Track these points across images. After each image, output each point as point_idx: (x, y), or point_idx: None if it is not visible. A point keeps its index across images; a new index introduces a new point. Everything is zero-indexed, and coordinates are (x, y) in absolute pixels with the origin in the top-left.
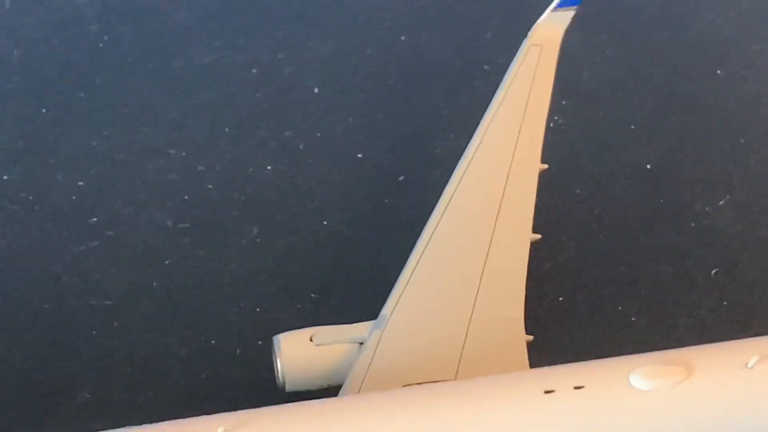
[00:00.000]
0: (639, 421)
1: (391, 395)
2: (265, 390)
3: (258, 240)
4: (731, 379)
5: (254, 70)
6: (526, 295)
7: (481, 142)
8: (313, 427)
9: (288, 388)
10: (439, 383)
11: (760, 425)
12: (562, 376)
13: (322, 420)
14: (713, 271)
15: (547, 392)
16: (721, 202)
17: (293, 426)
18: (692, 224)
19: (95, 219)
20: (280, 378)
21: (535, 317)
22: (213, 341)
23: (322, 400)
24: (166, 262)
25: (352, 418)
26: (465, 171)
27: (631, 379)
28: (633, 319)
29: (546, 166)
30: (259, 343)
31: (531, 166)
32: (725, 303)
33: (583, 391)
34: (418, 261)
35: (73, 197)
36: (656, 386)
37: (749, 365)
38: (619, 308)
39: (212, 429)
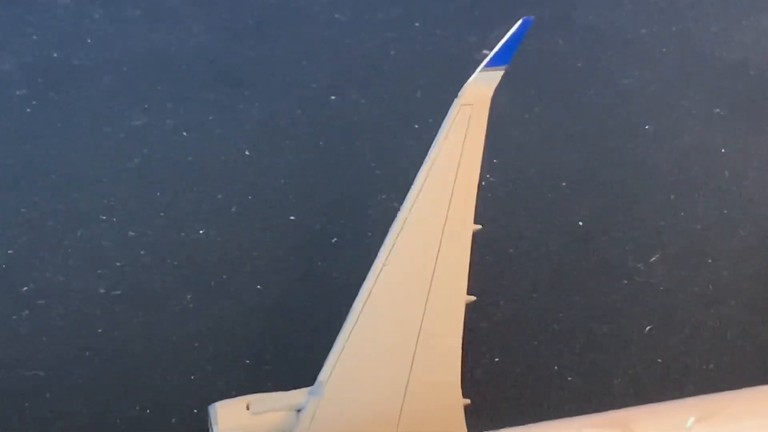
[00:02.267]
0: None
1: None
2: None
3: (191, 306)
4: None
5: (184, 133)
6: (462, 357)
7: (413, 204)
8: None
9: None
10: None
11: None
12: None
13: None
14: (647, 328)
15: None
16: (652, 259)
17: None
18: (625, 281)
19: (26, 288)
20: None
21: (471, 379)
22: (148, 410)
23: None
24: (99, 330)
25: None
26: (398, 234)
27: None
28: (569, 378)
29: (480, 226)
30: (195, 411)
31: (465, 226)
32: (659, 360)
33: None
34: (353, 326)
35: (3, 266)
36: None
37: (687, 426)
38: (555, 368)
39: None
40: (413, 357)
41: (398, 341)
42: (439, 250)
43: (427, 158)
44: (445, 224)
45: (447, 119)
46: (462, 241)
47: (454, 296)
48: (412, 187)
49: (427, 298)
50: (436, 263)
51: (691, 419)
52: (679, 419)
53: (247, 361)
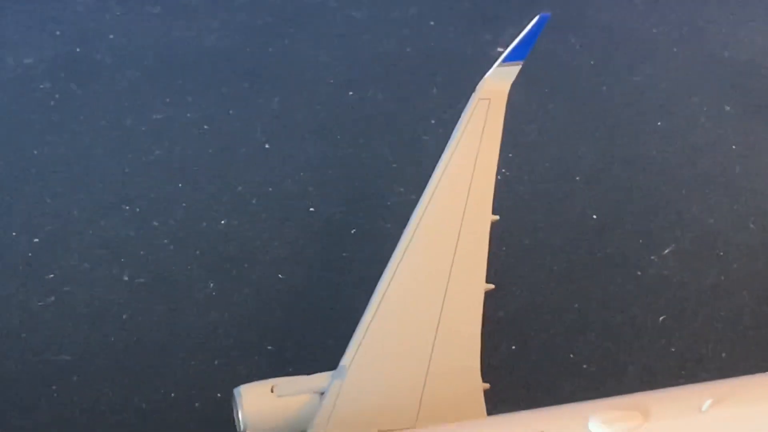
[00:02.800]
0: None
1: None
2: None
3: (214, 294)
4: (686, 423)
5: (205, 126)
6: (481, 344)
7: (432, 195)
8: None
9: None
10: (400, 431)
11: None
12: (523, 422)
13: None
14: (661, 318)
15: None
16: (666, 251)
17: None
18: (639, 273)
19: (52, 275)
20: (242, 429)
21: (489, 366)
22: (172, 394)
23: None
24: (123, 317)
25: None
26: (418, 224)
27: (590, 424)
28: (584, 366)
29: (497, 217)
30: (218, 395)
31: (483, 217)
32: (673, 349)
33: None
34: (375, 312)
35: (29, 254)
36: (614, 431)
37: (703, 409)
38: (571, 356)
39: None
40: (434, 342)
41: (419, 327)
42: (458, 240)
43: (445, 151)
44: (464, 215)
45: (465, 113)
46: (481, 231)
47: (474, 283)
48: (431, 178)
49: (447, 286)
50: (455, 252)
51: (708, 401)
52: (695, 402)
53: (269, 347)
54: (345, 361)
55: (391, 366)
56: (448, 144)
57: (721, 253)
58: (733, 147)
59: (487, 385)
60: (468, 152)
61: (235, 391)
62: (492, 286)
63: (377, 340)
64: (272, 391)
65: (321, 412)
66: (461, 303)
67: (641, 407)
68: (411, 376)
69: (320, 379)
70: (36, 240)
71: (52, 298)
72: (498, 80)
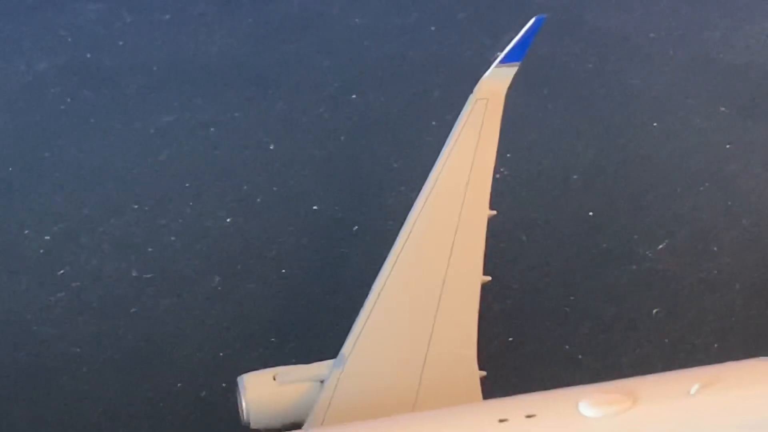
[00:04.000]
0: None
1: (351, 427)
2: (230, 429)
3: (219, 288)
4: (675, 407)
5: (212, 129)
6: (477, 336)
7: (431, 190)
8: None
9: (253, 425)
10: (397, 416)
11: None
12: (515, 405)
13: None
14: (654, 311)
15: (501, 421)
16: (659, 246)
17: None
18: (633, 267)
19: (62, 271)
20: (245, 416)
21: (486, 357)
22: (179, 384)
23: None
24: (132, 311)
25: None
26: (417, 219)
27: (580, 407)
28: (579, 357)
29: (495, 212)
30: (223, 385)
31: (480, 212)
32: (666, 341)
33: (535, 419)
34: (375, 303)
35: (41, 251)
36: (604, 414)
37: (692, 392)
38: (566, 347)
39: None
40: (431, 331)
41: (417, 317)
42: (456, 234)
43: (444, 148)
44: (461, 210)
45: (463, 113)
46: (478, 226)
47: (471, 276)
48: (430, 174)
49: (445, 278)
50: (453, 245)
51: (696, 385)
52: (683, 386)
53: (273, 340)
54: (345, 350)
55: (390, 354)
56: (446, 142)
57: (715, 249)
58: (727, 146)
59: (484, 373)
60: (466, 150)
61: (239, 379)
62: (488, 278)
63: (376, 330)
64: (274, 380)
65: (321, 400)
66: (459, 294)
67: (630, 391)
68: (409, 364)
69: (321, 367)
70: (47, 237)
71: (63, 293)
72: (495, 81)
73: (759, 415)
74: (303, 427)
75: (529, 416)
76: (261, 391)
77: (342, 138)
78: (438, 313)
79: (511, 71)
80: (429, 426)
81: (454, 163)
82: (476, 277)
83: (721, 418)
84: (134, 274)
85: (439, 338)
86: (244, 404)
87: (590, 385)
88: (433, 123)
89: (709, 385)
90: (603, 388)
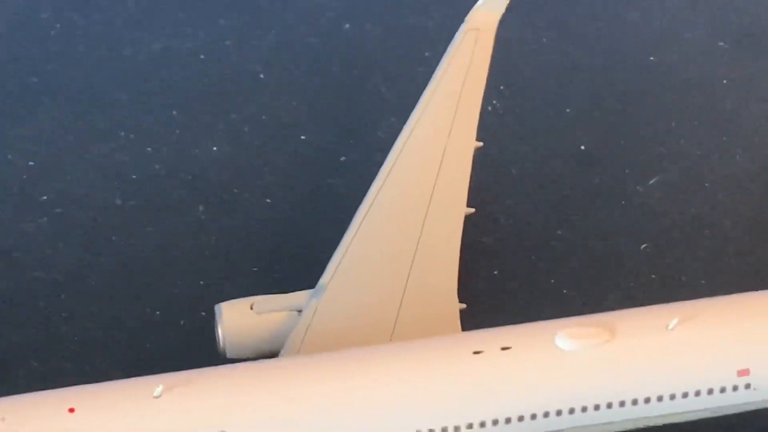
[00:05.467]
0: (563, 380)
1: (325, 356)
2: (208, 358)
3: (203, 217)
4: (653, 341)
5: (202, 56)
6: (463, 269)
7: (417, 120)
8: (246, 385)
9: (229, 354)
10: (372, 346)
11: (679, 384)
12: (490, 337)
13: (256, 378)
14: (642, 246)
15: (475, 353)
16: (651, 182)
17: (228, 384)
18: (623, 202)
19: (45, 197)
20: (221, 345)
21: (471, 290)
22: (158, 313)
23: (257, 361)
24: (114, 239)
25: (284, 377)
26: (402, 148)
27: (557, 340)
28: (564, 291)
29: (481, 144)
30: (203, 314)
31: (467, 143)
32: (653, 276)
33: (510, 352)
34: (356, 232)
35: (24, 176)
36: (580, 347)
37: (670, 327)
38: (552, 281)
39: (152, 387)
40: (412, 262)
41: (398, 247)
42: (441, 164)
43: (432, 78)
44: (448, 140)
45: (453, 43)
46: (464, 157)
47: (455, 207)
48: (418, 104)
49: (428, 207)
50: (438, 176)
51: (675, 320)
52: (662, 321)
53: (255, 269)
54: (324, 279)
55: (369, 284)
56: (435, 71)
57: (707, 184)
58: (725, 81)
59: (464, 305)
60: (455, 81)
61: (216, 307)
62: (472, 210)
63: (356, 260)
64: (251, 309)
65: (297, 329)
66: (441, 225)
67: (609, 325)
68: (388, 295)
69: (299, 297)
70: (31, 163)
71: (45, 219)
72: (487, 11)
73: (734, 350)
74: (278, 356)
75: (504, 348)
76: (238, 320)
77: (334, 69)
78: (420, 243)
79: (504, 1)
80: (402, 357)
81: (441, 93)
82: (460, 209)
83: (698, 352)
84: (118, 201)
85: (419, 269)
86: (220, 333)
87: (568, 318)
88: (427, 54)
89: (687, 320)
90: (581, 322)
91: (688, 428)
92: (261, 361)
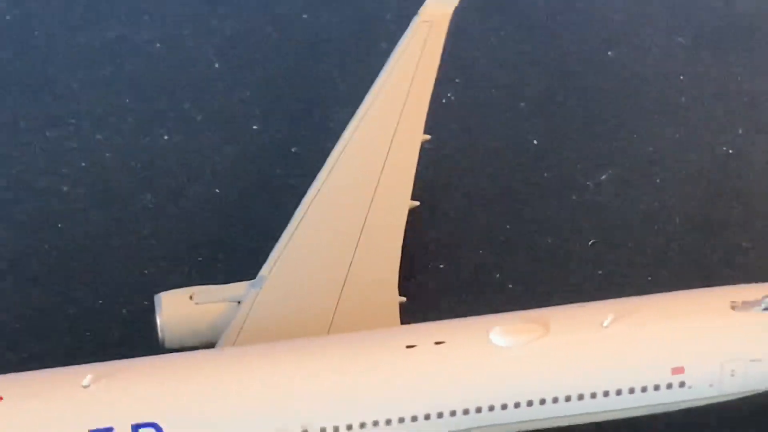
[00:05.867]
0: (496, 376)
1: (257, 348)
2: (149, 348)
3: (151, 206)
4: (587, 337)
5: (158, 45)
6: (409, 262)
7: (367, 110)
8: (176, 375)
9: (168, 344)
10: (307, 338)
11: (614, 381)
12: (425, 332)
13: (187, 369)
14: (590, 242)
15: (408, 347)
16: (603, 177)
17: (158, 374)
18: (574, 197)
19: None
20: (161, 335)
21: (415, 283)
22: (101, 301)
23: (189, 351)
24: (59, 226)
25: (216, 368)
26: (350, 138)
27: (491, 335)
28: (510, 285)
29: (428, 137)
30: (145, 303)
31: (414, 136)
32: (600, 272)
33: (444, 346)
34: (298, 224)
35: None
36: (514, 343)
37: (605, 324)
38: (497, 275)
39: (82, 376)
40: (353, 254)
41: (340, 239)
42: (387, 156)
43: (383, 69)
44: (395, 132)
45: (406, 34)
46: (410, 149)
47: (399, 199)
48: (368, 95)
49: (372, 200)
50: (383, 167)
51: (610, 317)
52: (597, 317)
53: (200, 259)
54: (264, 271)
55: (309, 276)
56: (387, 62)
57: (658, 181)
58: (681, 78)
59: (404, 299)
60: (405, 72)
61: (156, 297)
62: (417, 203)
63: (297, 251)
64: (191, 299)
65: (236, 320)
66: (384, 217)
67: (544, 321)
68: (328, 287)
69: (239, 288)
70: None
71: None
72: (441, 3)
73: (669, 348)
74: (215, 347)
75: (438, 343)
76: (177, 310)
77: (289, 59)
78: (362, 235)
79: None
80: (334, 349)
81: (391, 85)
82: (404, 202)
83: (633, 349)
84: (65, 188)
85: (360, 261)
86: (159, 323)
87: (504, 313)
88: (383, 45)
89: (622, 317)
90: (516, 317)
91: (625, 425)
92: (193, 351)
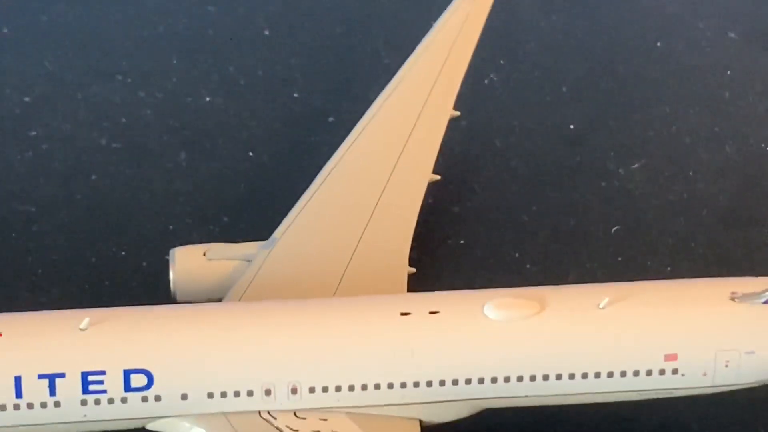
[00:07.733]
0: (487, 349)
1: (256, 305)
2: (162, 301)
3: (184, 164)
4: (582, 318)
5: (209, 8)
6: (430, 235)
7: (399, 82)
8: (172, 325)
9: (179, 298)
10: (305, 299)
11: (606, 363)
12: (422, 301)
13: (184, 320)
14: (614, 229)
15: (403, 314)
16: (635, 165)
17: (155, 323)
18: (603, 183)
19: (34, 132)
20: (172, 288)
21: (435, 257)
22: (123, 253)
23: (190, 304)
24: (93, 177)
25: (212, 321)
26: (380, 108)
27: (485, 309)
28: (527, 266)
29: (458, 113)
30: (166, 258)
31: (443, 110)
32: (619, 259)
33: (437, 316)
34: (317, 189)
35: (17, 110)
36: (508, 317)
37: (600, 306)
38: (516, 255)
39: (80, 319)
40: (368, 220)
41: (356, 206)
42: (414, 127)
43: (422, 41)
44: (424, 105)
45: (448, 8)
46: (437, 123)
47: (420, 171)
48: (403, 66)
49: (393, 169)
50: (408, 138)
51: (606, 299)
52: (594, 299)
53: (225, 219)
54: (277, 233)
55: (321, 240)
56: (427, 34)
57: (691, 173)
58: (728, 72)
59: (413, 270)
60: (442, 46)
61: (171, 252)
62: (438, 177)
63: (312, 215)
64: (204, 255)
65: (244, 277)
66: (403, 187)
67: (540, 298)
68: (338, 252)
69: (253, 247)
70: (26, 99)
71: (30, 153)
72: None
73: (664, 334)
74: (222, 301)
75: (432, 312)
76: (189, 265)
77: (338, 30)
78: (379, 203)
79: None
80: (329, 311)
81: (427, 57)
82: (425, 174)
83: (627, 333)
84: (103, 142)
85: (373, 229)
86: (172, 277)
87: (499, 289)
88: (432, 23)
89: (618, 300)
90: (513, 293)
91: (613, 409)
92: (193, 304)
